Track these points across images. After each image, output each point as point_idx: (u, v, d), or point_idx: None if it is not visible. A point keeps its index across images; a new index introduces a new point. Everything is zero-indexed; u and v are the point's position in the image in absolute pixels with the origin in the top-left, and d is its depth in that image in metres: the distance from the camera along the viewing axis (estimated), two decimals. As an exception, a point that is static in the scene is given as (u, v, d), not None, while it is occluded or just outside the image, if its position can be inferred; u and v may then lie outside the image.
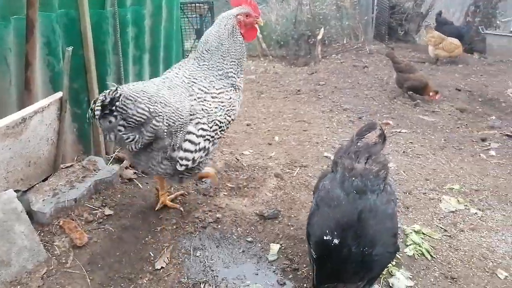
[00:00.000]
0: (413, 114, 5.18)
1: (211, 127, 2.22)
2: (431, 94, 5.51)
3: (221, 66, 2.29)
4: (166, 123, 2.07)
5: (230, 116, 2.32)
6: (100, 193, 2.65)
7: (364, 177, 1.92)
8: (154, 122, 2.03)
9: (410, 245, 2.48)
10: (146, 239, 2.41)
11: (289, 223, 2.64)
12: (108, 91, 1.92)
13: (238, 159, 3.47)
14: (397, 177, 3.37)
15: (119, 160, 3.02)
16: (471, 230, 2.73)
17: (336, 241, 1.75)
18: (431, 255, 2.44)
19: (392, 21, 9.18)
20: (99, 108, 1.89)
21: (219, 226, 2.57)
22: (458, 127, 4.83)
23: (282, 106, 5.31)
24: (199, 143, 2.18)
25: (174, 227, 2.52)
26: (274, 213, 2.68)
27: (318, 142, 4.07)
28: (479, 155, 4.00)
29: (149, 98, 2.02)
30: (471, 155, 3.99)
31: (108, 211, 2.51)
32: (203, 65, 2.29)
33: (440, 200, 3.07)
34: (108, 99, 1.89)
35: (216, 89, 2.27)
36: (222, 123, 2.28)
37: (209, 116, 2.20)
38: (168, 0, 3.39)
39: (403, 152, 3.96)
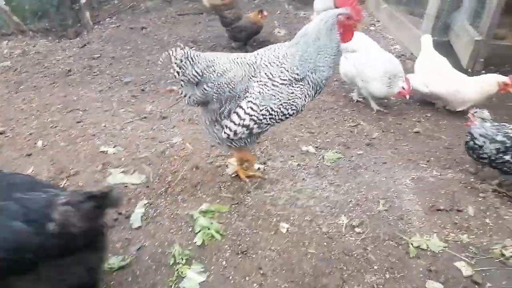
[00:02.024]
0: (197, 73, 5.04)
1: (260, 110, 2.33)
2: (260, 16, 5.62)
3: (314, 59, 2.33)
4: (216, 90, 2.32)
5: (287, 110, 2.38)
6: None
7: None
8: (205, 86, 2.32)
9: (198, 232, 2.34)
10: None
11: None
12: (179, 51, 2.24)
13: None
14: (183, 153, 3.17)
15: None
16: (256, 189, 2.78)
17: None
18: (221, 234, 2.36)
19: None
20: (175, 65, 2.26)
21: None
22: (239, 77, 4.94)
23: (49, 96, 4.37)
24: (244, 119, 2.35)
25: None
26: None
27: (95, 133, 3.49)
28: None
29: (208, 65, 2.30)
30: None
31: None
32: (293, 52, 2.35)
33: (227, 166, 3.03)
34: (178, 60, 2.24)
35: (281, 79, 2.33)
36: (275, 111, 2.36)
37: (263, 99, 2.32)
38: None
39: (189, 120, 3.77)
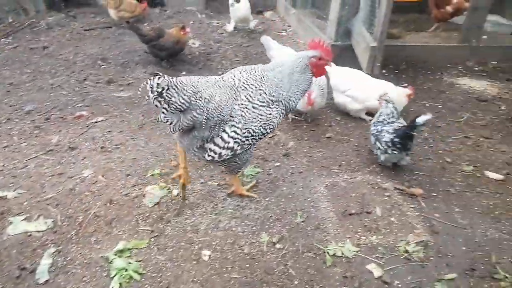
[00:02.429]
0: (108, 94, 4.77)
1: (243, 133, 2.43)
2: (182, 33, 5.48)
3: (287, 90, 2.52)
4: (206, 116, 2.32)
5: (265, 129, 2.51)
6: None
7: None
8: (194, 113, 2.30)
9: (114, 276, 2.21)
10: None
11: None
12: (157, 80, 2.14)
13: None
14: (95, 188, 2.98)
15: None
16: (176, 217, 2.71)
17: None
18: (139, 274, 2.25)
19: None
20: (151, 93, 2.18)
21: None
22: (154, 95, 4.78)
23: None
24: (228, 142, 2.43)
25: None
26: None
27: (-9, 176, 3.14)
28: (175, 122, 4.07)
29: (194, 91, 2.28)
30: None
31: None
32: (270, 77, 2.51)
33: (144, 195, 2.92)
34: (160, 89, 2.15)
35: (260, 101, 2.44)
36: (256, 132, 2.47)
37: (245, 123, 2.41)
38: None
39: (101, 148, 3.56)
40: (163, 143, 3.63)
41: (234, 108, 2.39)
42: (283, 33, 7.33)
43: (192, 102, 2.27)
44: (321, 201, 2.84)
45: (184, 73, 5.43)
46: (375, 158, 3.39)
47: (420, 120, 2.86)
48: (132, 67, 5.58)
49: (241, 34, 7.12)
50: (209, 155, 2.46)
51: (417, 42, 6.07)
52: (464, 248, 2.43)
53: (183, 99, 2.23)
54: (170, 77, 2.20)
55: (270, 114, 2.47)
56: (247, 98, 2.42)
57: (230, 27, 7.25)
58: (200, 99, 2.29)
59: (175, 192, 2.95)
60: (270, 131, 2.55)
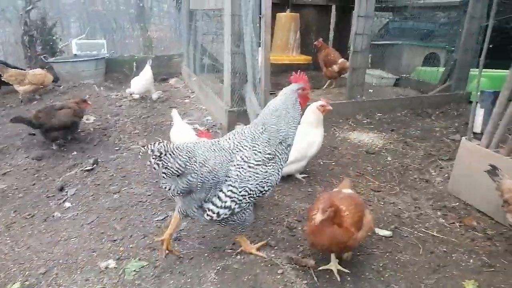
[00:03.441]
0: (-23, 189, 4.15)
1: (240, 192, 2.49)
2: (84, 106, 5.32)
3: (286, 129, 2.59)
4: (200, 180, 2.41)
5: (263, 187, 2.56)
6: None
7: None
8: (189, 177, 2.40)
9: None
10: None
11: None
12: (157, 146, 2.30)
13: None
14: None
15: None
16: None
17: None
18: None
19: None
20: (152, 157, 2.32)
21: None
22: (34, 184, 4.27)
23: None
24: (226, 201, 2.50)
25: None
26: None
27: None
28: (53, 215, 3.59)
29: (189, 157, 2.39)
30: (44, 220, 3.53)
31: None
32: (261, 130, 2.58)
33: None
34: (158, 153, 2.30)
35: (256, 160, 2.51)
36: (252, 191, 2.52)
37: (241, 182, 2.48)
38: None
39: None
40: (32, 245, 3.13)
41: (231, 170, 2.49)
42: (186, 100, 7.31)
43: (188, 166, 2.38)
44: (210, 293, 2.57)
45: (75, 153, 5.02)
46: (271, 229, 3.26)
47: None
48: (12, 153, 5.02)
49: (142, 105, 6.95)
50: (208, 215, 2.53)
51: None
52: (356, 325, 2.30)
53: (179, 164, 2.35)
54: (168, 143, 2.34)
55: (266, 172, 2.54)
56: (242, 159, 2.51)
57: (136, 95, 7.09)
58: (195, 163, 2.40)
59: (37, 309, 2.47)
60: (269, 189, 2.61)
